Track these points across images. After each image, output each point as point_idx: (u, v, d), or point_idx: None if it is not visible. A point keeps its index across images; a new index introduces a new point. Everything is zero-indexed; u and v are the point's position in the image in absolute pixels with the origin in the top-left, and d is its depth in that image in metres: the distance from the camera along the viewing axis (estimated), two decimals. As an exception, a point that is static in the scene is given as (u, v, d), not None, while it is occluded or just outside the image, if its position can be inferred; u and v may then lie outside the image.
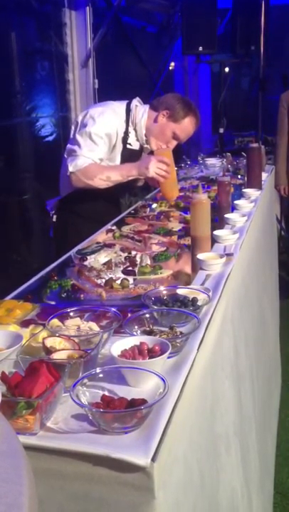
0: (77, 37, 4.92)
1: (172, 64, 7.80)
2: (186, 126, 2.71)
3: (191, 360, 1.19)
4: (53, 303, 1.59)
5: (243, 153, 3.31)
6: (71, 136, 2.66)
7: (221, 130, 5.93)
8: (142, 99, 2.79)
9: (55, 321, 1.32)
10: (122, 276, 1.78)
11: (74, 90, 5.02)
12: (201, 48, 5.47)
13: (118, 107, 2.70)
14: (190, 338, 1.25)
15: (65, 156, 2.61)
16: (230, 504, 1.44)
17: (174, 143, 2.73)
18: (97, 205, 2.68)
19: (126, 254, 1.99)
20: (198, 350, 1.23)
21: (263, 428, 2.23)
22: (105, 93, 4.97)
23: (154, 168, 2.52)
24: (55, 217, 2.81)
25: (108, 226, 2.44)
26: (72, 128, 2.70)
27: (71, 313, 1.36)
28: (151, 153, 2.76)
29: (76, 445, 0.92)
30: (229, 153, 3.84)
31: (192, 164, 3.83)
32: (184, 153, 5.81)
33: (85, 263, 1.91)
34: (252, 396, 1.94)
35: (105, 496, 0.91)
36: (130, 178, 2.58)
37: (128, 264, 1.88)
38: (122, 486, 0.89)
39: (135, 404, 0.97)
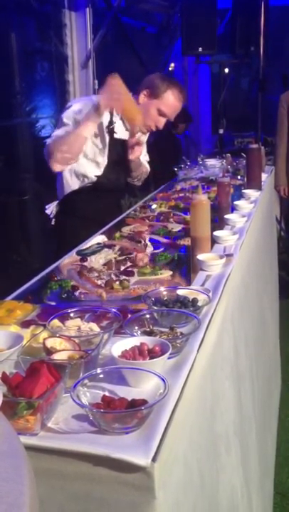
0: (77, 38, 4.93)
1: (172, 64, 7.80)
2: (169, 99, 2.63)
3: (192, 360, 1.19)
4: (53, 303, 1.59)
5: (242, 154, 3.32)
6: None
7: (221, 131, 5.93)
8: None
9: (56, 322, 1.32)
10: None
11: (74, 91, 5.02)
12: (200, 49, 5.47)
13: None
14: (190, 339, 1.26)
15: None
16: (230, 504, 1.44)
17: (163, 120, 2.67)
18: (97, 206, 2.62)
19: (126, 254, 1.99)
20: (198, 350, 1.24)
21: (263, 428, 2.23)
22: (105, 94, 4.96)
23: (105, 96, 2.38)
24: (53, 221, 2.74)
25: (106, 228, 2.40)
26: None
27: (71, 314, 1.36)
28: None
29: (77, 445, 0.92)
30: (229, 154, 3.85)
31: (192, 165, 3.83)
32: (184, 153, 5.82)
33: (85, 263, 1.91)
34: (252, 396, 1.94)
35: (106, 495, 0.91)
36: (92, 121, 2.41)
37: (128, 264, 1.88)
38: (123, 486, 0.89)
39: (136, 404, 0.97)
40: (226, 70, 7.42)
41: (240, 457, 1.62)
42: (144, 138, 2.90)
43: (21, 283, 1.77)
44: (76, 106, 2.53)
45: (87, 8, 4.86)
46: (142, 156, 2.85)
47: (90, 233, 2.29)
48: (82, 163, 2.56)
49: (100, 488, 0.91)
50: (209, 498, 1.25)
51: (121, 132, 2.65)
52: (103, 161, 2.61)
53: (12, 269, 4.10)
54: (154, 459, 0.88)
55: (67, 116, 2.50)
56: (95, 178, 2.60)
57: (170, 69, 7.76)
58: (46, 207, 2.72)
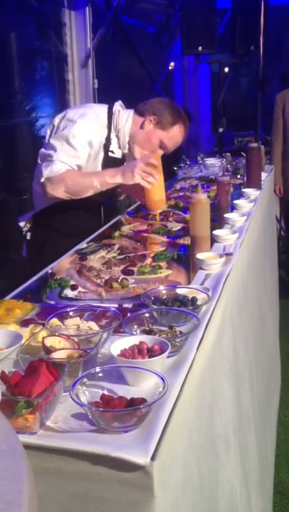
0: (77, 37, 4.93)
1: (172, 64, 7.81)
2: (175, 134, 2.45)
3: (191, 359, 1.19)
4: (52, 302, 1.59)
5: (242, 153, 3.31)
6: (46, 140, 2.38)
7: (221, 130, 5.93)
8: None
9: (55, 321, 1.32)
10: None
11: (74, 90, 5.02)
12: (200, 48, 5.47)
13: (99, 109, 2.43)
14: (189, 338, 1.26)
15: (39, 161, 2.32)
16: (229, 503, 1.45)
17: (160, 152, 2.46)
18: (78, 219, 2.41)
19: (125, 253, 1.99)
20: (197, 349, 1.24)
21: (263, 427, 2.23)
22: (105, 93, 4.98)
23: (140, 172, 2.22)
24: (29, 234, 2.50)
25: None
26: (48, 132, 2.41)
27: (71, 313, 1.36)
28: None
29: (76, 444, 0.92)
30: (229, 153, 3.84)
31: (192, 164, 3.83)
32: (184, 153, 5.81)
33: (84, 262, 1.91)
34: (251, 395, 1.94)
35: (105, 494, 0.91)
36: (112, 186, 2.30)
37: (128, 263, 1.88)
38: (122, 484, 0.89)
39: (135, 403, 0.97)
40: (226, 70, 7.43)
41: (240, 456, 1.62)
42: None
43: (20, 282, 1.77)
44: (84, 127, 2.30)
45: (87, 8, 4.86)
46: None
47: (69, 248, 2.13)
48: None
49: (99, 486, 0.91)
50: (208, 497, 1.25)
51: (116, 150, 2.46)
52: None
53: (11, 268, 4.10)
54: (153, 458, 0.88)
55: (74, 138, 2.26)
56: None
57: (170, 68, 7.77)
58: (19, 218, 2.52)
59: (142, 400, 0.97)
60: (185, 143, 7.05)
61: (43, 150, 2.33)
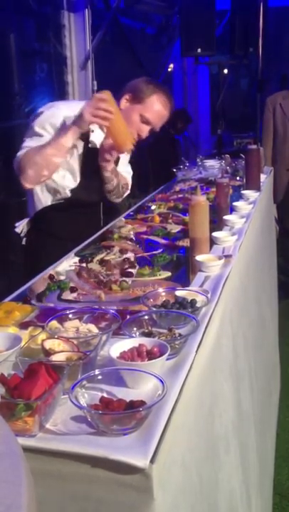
0: (76, 39, 4.94)
1: (171, 65, 7.82)
2: (154, 104, 2.31)
3: (190, 361, 1.19)
4: (51, 305, 1.59)
5: (241, 155, 3.31)
6: None
7: (220, 131, 5.93)
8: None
9: (54, 323, 1.32)
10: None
11: (73, 92, 5.03)
12: (199, 50, 5.47)
13: (77, 102, 2.37)
14: (189, 340, 1.26)
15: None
16: (229, 505, 1.44)
17: (146, 129, 2.35)
18: (72, 223, 2.34)
19: (124, 255, 1.99)
20: (196, 351, 1.24)
21: (262, 429, 2.23)
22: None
23: (91, 110, 2.06)
24: (24, 240, 2.43)
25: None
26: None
27: (70, 315, 1.36)
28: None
29: (75, 447, 0.92)
30: (228, 155, 3.84)
31: (191, 166, 3.83)
32: (183, 154, 5.82)
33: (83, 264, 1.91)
34: (251, 397, 1.94)
35: (104, 497, 0.91)
36: (71, 139, 2.13)
37: (127, 265, 1.88)
38: (121, 487, 0.89)
39: (134, 405, 0.97)
40: (225, 71, 7.43)
41: (240, 458, 1.62)
42: (127, 162, 2.65)
43: (20, 284, 1.77)
44: (49, 113, 2.24)
45: (86, 9, 4.87)
46: (121, 166, 2.58)
47: (65, 252, 2.05)
48: (54, 177, 2.25)
49: (99, 489, 0.91)
50: (208, 499, 1.25)
51: (99, 140, 2.33)
52: (77, 173, 2.32)
53: (11, 270, 4.10)
54: (152, 461, 0.88)
55: (39, 125, 2.21)
56: (69, 194, 2.31)
57: (169, 70, 7.77)
58: (16, 225, 2.45)
59: (142, 403, 0.97)
60: (184, 144, 7.07)
61: None
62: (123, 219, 2.58)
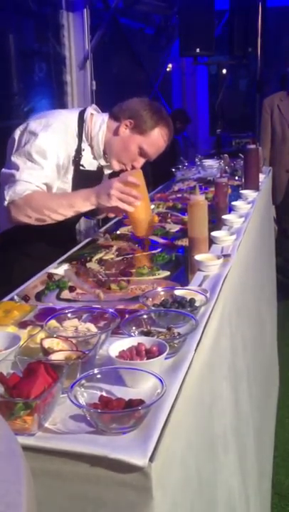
0: (75, 38, 4.94)
1: (170, 65, 7.83)
2: (156, 138, 2.15)
3: (189, 360, 1.19)
4: (50, 304, 1.59)
5: (240, 155, 3.32)
6: (7, 157, 2.07)
7: (219, 131, 5.94)
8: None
9: (53, 322, 1.32)
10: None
11: (72, 92, 5.03)
12: (198, 50, 5.49)
13: (67, 117, 2.13)
14: (187, 339, 1.26)
15: (1, 182, 2.04)
16: (227, 504, 1.45)
17: (141, 161, 2.19)
18: (47, 240, 2.11)
19: (123, 255, 1.99)
20: (195, 350, 1.24)
21: (261, 428, 2.23)
22: (103, 95, 4.99)
23: (118, 193, 1.90)
24: None
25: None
26: (9, 148, 2.10)
27: (69, 315, 1.36)
28: (114, 174, 2.15)
29: (74, 446, 0.92)
30: (227, 155, 3.85)
31: (190, 166, 3.84)
32: (182, 154, 5.82)
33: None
34: (249, 396, 1.94)
35: (103, 496, 0.91)
36: (86, 209, 1.99)
37: (125, 265, 1.89)
38: (120, 486, 0.89)
39: (133, 404, 0.97)
40: (224, 71, 7.45)
41: (238, 457, 1.62)
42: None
43: (19, 283, 1.77)
44: (50, 142, 2.01)
45: (85, 9, 4.87)
46: None
47: (37, 271, 1.88)
48: None
49: (98, 488, 0.91)
50: (207, 499, 1.25)
51: (89, 162, 2.17)
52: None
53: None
54: (151, 459, 0.88)
55: (38, 152, 1.98)
56: None
57: (168, 70, 7.78)
58: None
59: (140, 402, 0.97)
60: (183, 144, 7.07)
61: (4, 170, 2.04)
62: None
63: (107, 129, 2.15)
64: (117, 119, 2.15)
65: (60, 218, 1.98)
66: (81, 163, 2.13)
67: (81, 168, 2.13)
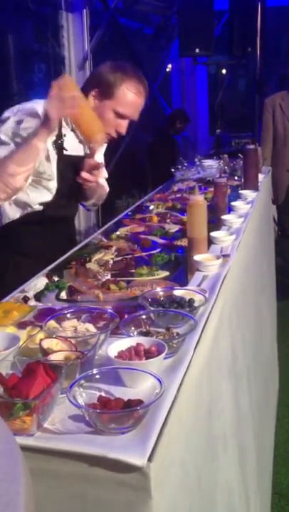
0: (75, 39, 4.94)
1: (169, 65, 7.83)
2: (125, 96, 2.05)
3: (188, 360, 1.19)
4: (50, 304, 1.60)
5: (239, 155, 3.32)
6: None
7: (218, 131, 5.94)
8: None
9: (52, 323, 1.32)
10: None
11: (71, 92, 5.02)
12: (197, 50, 5.48)
13: (43, 103, 2.02)
14: (186, 339, 1.26)
15: None
16: (227, 504, 1.45)
17: (124, 123, 2.11)
18: (44, 240, 2.10)
19: (122, 255, 1.99)
20: (194, 350, 1.24)
21: (261, 428, 2.23)
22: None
23: (55, 104, 1.84)
24: None
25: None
26: None
27: (68, 315, 1.37)
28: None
29: (73, 446, 0.92)
30: (226, 155, 3.85)
31: (189, 166, 3.84)
32: (181, 154, 5.82)
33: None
34: (249, 396, 1.94)
35: (102, 496, 0.91)
36: (43, 139, 1.89)
37: (125, 265, 1.89)
38: (119, 486, 0.90)
39: (132, 404, 0.97)
40: (224, 71, 7.45)
41: (238, 457, 1.62)
42: (102, 155, 2.38)
43: (16, 284, 1.77)
44: (15, 118, 1.99)
45: (84, 10, 4.88)
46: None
47: (36, 272, 1.85)
48: (27, 189, 2.01)
49: (97, 488, 0.91)
50: (206, 499, 1.26)
51: (73, 147, 2.11)
52: (53, 185, 2.08)
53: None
54: (150, 459, 0.88)
55: (4, 132, 1.96)
56: (39, 207, 2.08)
57: (167, 70, 7.78)
58: None
59: (139, 402, 0.98)
60: (182, 144, 7.07)
61: None
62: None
63: None
64: (86, 93, 2.07)
65: (31, 165, 1.88)
66: (64, 146, 2.08)
67: (65, 152, 2.08)
